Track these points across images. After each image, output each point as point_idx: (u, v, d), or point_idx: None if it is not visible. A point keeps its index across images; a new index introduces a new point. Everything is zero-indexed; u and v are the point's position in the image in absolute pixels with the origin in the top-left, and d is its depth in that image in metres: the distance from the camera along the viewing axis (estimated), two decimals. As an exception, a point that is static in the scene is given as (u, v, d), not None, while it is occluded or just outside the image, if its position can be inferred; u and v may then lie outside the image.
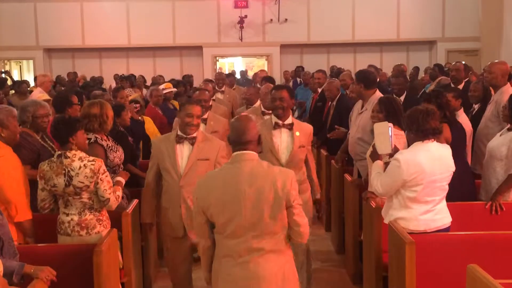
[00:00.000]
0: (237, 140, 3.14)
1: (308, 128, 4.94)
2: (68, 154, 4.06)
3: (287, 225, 3.12)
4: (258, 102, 6.94)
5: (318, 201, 5.08)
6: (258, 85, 8.73)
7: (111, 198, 4.13)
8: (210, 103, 6.74)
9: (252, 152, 3.14)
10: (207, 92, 6.35)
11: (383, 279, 4.48)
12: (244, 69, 18.47)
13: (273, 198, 3.04)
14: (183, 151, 4.51)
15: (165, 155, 4.51)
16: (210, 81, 8.81)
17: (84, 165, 4.03)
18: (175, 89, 9.24)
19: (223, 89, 9.42)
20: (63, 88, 11.35)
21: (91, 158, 4.11)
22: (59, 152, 4.10)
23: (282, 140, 4.72)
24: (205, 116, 5.80)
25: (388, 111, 4.73)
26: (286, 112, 4.76)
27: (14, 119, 4.37)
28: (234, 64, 19.60)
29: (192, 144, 4.50)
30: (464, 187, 4.76)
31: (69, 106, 5.69)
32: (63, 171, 4.01)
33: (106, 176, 4.13)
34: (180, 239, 4.59)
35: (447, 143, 4.71)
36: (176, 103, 9.19)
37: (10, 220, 3.90)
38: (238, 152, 3.13)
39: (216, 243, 3.18)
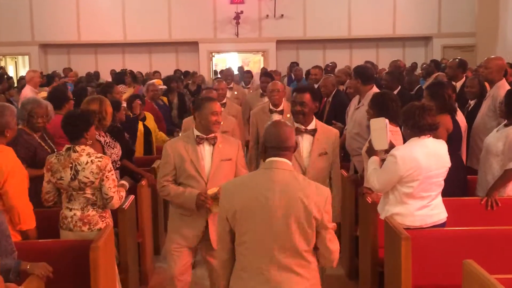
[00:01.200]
0: (277, 146, 2.89)
1: (332, 133, 4.51)
2: (77, 148, 4.08)
3: (315, 248, 2.89)
4: (266, 99, 6.78)
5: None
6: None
7: (115, 197, 4.13)
8: (224, 101, 6.82)
9: (287, 161, 2.91)
10: (214, 91, 6.13)
11: (379, 275, 4.49)
12: (241, 65, 18.44)
13: (303, 216, 2.79)
14: (204, 153, 4.14)
15: (186, 159, 4.08)
16: (220, 79, 8.52)
17: (92, 160, 4.04)
18: (164, 86, 9.22)
19: (231, 85, 9.25)
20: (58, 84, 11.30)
21: (99, 155, 4.14)
22: (68, 146, 4.11)
23: (303, 146, 4.35)
24: None
25: (378, 107, 4.71)
26: (308, 117, 4.38)
27: (15, 117, 4.36)
28: (226, 60, 19.50)
29: (213, 144, 4.15)
30: (455, 181, 4.77)
31: (66, 102, 5.71)
32: (70, 165, 4.03)
33: (112, 174, 4.15)
34: (189, 250, 4.21)
35: (448, 132, 4.73)
36: (165, 99, 9.18)
37: (12, 227, 3.83)
38: (273, 159, 2.90)
39: (236, 257, 2.94)
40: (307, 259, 2.86)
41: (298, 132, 4.30)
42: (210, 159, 4.13)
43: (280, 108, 6.29)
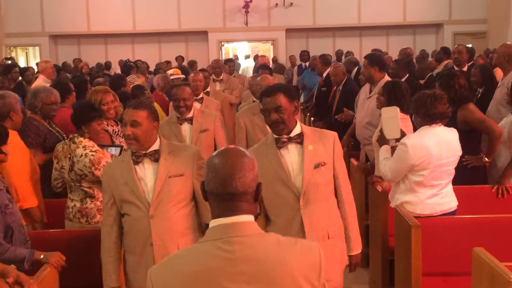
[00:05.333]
0: (220, 192, 1.80)
1: (328, 135, 3.27)
2: (76, 140, 4.10)
3: None
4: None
5: (353, 258, 3.36)
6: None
7: None
8: (201, 96, 6.13)
9: (249, 219, 1.82)
10: (187, 89, 4.98)
11: (389, 263, 4.50)
12: (248, 54, 18.38)
13: None
14: (146, 171, 3.27)
15: (119, 182, 3.23)
16: (203, 70, 8.00)
17: (85, 154, 4.03)
18: (183, 76, 9.18)
19: (221, 77, 8.71)
20: (68, 75, 11.36)
21: (94, 148, 4.10)
22: (71, 136, 4.17)
23: (292, 160, 3.19)
24: (190, 115, 4.95)
25: (389, 95, 4.70)
26: (290, 123, 3.18)
27: (18, 104, 4.45)
28: (236, 49, 19.48)
29: (156, 160, 3.27)
30: (475, 169, 4.76)
31: (69, 94, 5.72)
32: (69, 155, 4.08)
33: None
34: None
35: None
36: None
37: None
38: (225, 221, 1.79)
39: None
40: None
41: (281, 143, 3.18)
42: (153, 178, 3.25)
43: None
